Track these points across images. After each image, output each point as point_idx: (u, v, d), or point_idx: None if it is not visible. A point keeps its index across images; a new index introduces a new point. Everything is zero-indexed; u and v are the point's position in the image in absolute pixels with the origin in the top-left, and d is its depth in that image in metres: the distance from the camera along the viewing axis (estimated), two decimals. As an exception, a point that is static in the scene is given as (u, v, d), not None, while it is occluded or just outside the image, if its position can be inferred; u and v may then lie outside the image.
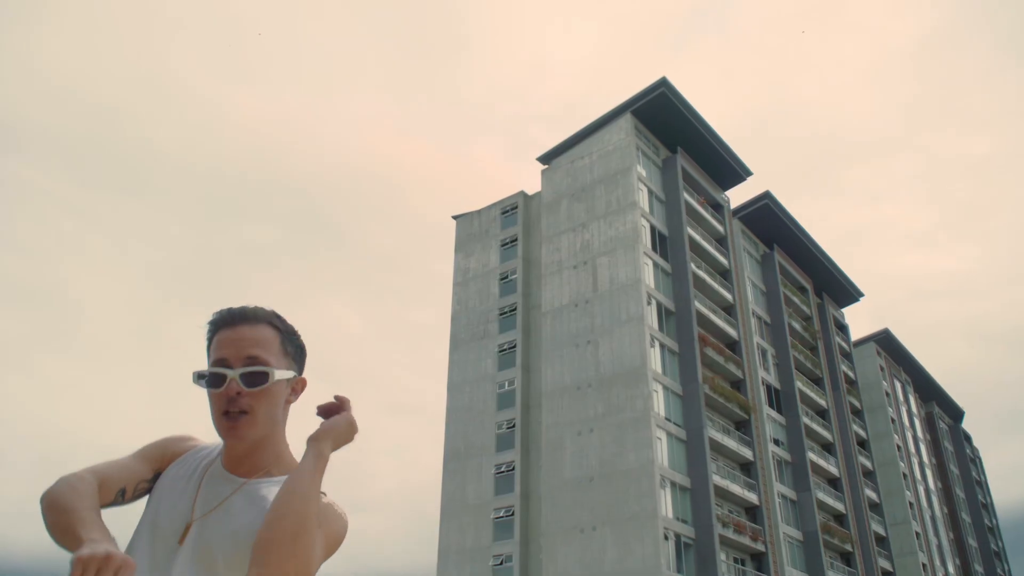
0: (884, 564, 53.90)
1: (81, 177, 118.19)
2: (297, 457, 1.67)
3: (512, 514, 40.84)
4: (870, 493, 56.44)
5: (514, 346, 45.29)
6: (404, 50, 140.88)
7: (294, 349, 1.74)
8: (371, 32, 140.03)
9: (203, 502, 1.64)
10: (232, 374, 1.61)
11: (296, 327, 1.79)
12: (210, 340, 1.68)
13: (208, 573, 1.55)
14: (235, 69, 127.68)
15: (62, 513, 1.48)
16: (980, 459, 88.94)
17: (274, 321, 1.71)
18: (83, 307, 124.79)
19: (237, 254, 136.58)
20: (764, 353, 49.81)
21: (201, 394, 1.68)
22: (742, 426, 44.63)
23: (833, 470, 51.72)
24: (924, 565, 59.50)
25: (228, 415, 1.61)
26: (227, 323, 1.68)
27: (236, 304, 1.74)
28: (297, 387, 1.75)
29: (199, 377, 1.62)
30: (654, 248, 44.23)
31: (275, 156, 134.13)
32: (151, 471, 1.70)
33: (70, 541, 1.44)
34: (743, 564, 39.97)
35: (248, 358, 1.63)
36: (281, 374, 1.66)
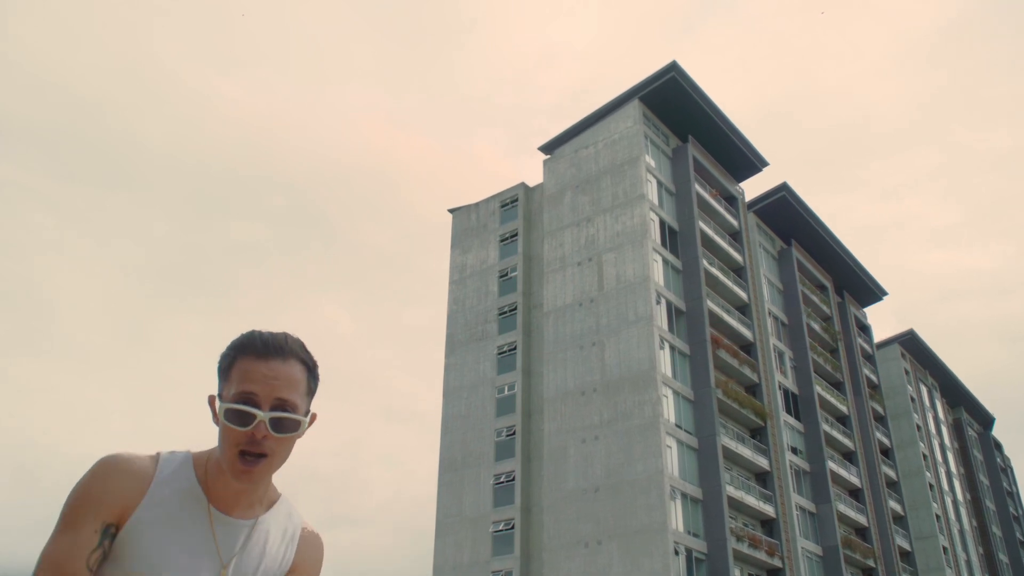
0: (909, 581, 53.72)
1: (59, 171, 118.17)
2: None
3: (512, 527, 40.70)
4: (894, 505, 56.27)
5: (514, 348, 45.13)
6: (399, 38, 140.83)
7: (315, 385, 1.74)
8: (364, 19, 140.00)
9: (225, 547, 1.67)
10: (262, 416, 1.61)
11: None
12: (230, 364, 1.67)
13: None
14: (222, 59, 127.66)
15: None
16: (1011, 468, 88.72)
17: (303, 356, 1.71)
18: (60, 307, 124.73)
19: (224, 251, 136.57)
20: (781, 355, 49.63)
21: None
22: (757, 433, 44.46)
23: (855, 480, 51.54)
24: (952, 582, 59.30)
25: (245, 456, 1.62)
26: (258, 353, 1.66)
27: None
28: (309, 423, 1.75)
29: (228, 413, 1.61)
30: (663, 243, 44.05)
31: (264, 150, 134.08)
32: (96, 532, 1.60)
33: None
34: (759, 581, 39.81)
35: (278, 400, 1.63)
36: (306, 420, 1.69)
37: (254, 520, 1.72)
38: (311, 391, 1.73)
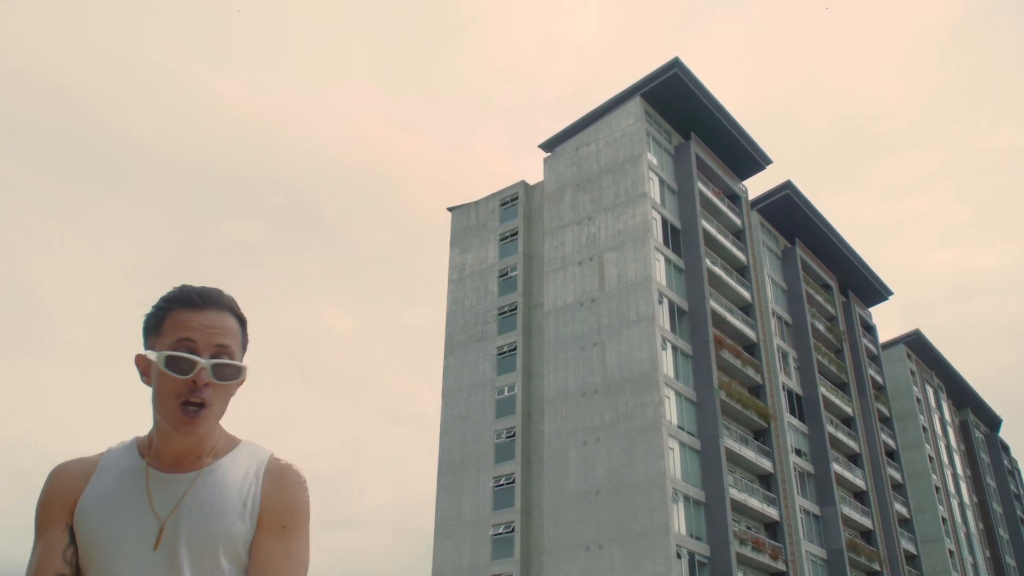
0: (915, 584, 53.62)
1: (56, 170, 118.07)
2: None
3: (512, 530, 40.63)
4: (900, 508, 56.16)
5: (514, 348, 45.06)
6: (399, 37, 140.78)
7: (246, 341, 1.76)
8: (364, 18, 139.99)
9: (161, 503, 1.65)
10: (204, 363, 1.61)
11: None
12: (162, 318, 1.68)
13: (200, 570, 1.62)
14: (220, 58, 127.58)
15: None
16: (1019, 471, 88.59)
17: (236, 310, 1.74)
18: (57, 308, 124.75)
19: (223, 251, 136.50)
20: (785, 356, 49.53)
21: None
22: (761, 435, 44.35)
23: (859, 483, 51.44)
24: (958, 585, 59.19)
25: (186, 406, 1.61)
26: (193, 304, 1.67)
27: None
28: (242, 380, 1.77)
29: (168, 361, 1.60)
30: (666, 243, 43.96)
31: (263, 149, 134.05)
32: (65, 530, 1.68)
33: None
34: (762, 584, 39.73)
35: (218, 347, 1.64)
36: (246, 368, 1.71)
37: (197, 471, 1.69)
38: (244, 346, 1.74)
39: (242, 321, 1.74)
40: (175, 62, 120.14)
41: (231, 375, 1.65)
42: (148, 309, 1.73)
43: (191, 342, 1.63)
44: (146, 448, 1.72)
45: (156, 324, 1.68)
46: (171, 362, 1.60)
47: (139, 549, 1.62)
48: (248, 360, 1.78)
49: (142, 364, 1.68)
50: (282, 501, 1.71)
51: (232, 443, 1.77)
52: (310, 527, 1.76)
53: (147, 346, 1.69)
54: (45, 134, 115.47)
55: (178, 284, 1.73)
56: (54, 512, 1.68)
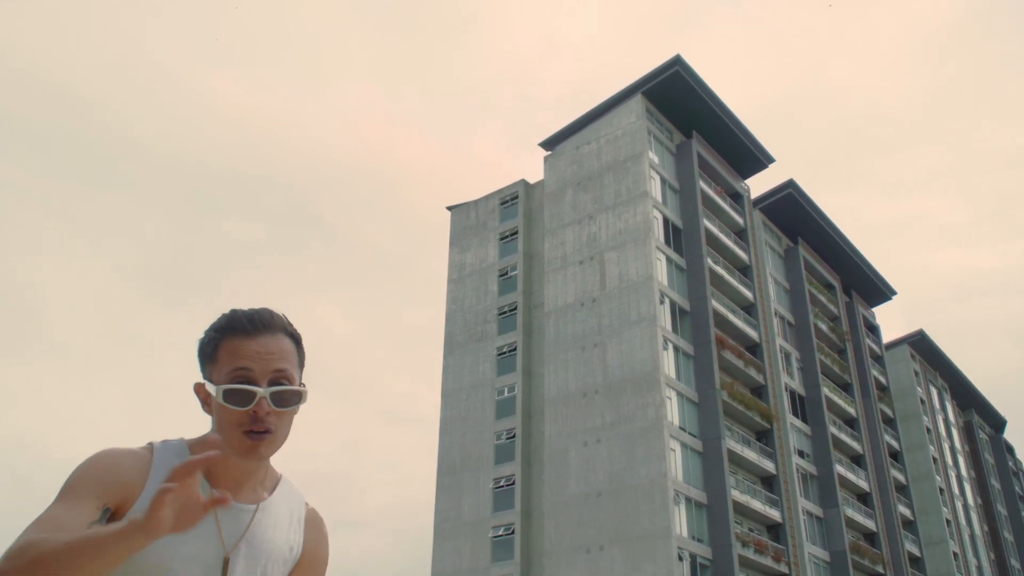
0: (919, 587, 53.46)
1: (53, 169, 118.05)
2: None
3: (512, 532, 40.52)
4: (903, 509, 56.04)
5: (514, 349, 44.94)
6: (398, 35, 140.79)
7: (303, 358, 1.74)
8: (363, 18, 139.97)
9: (229, 534, 1.63)
10: (263, 393, 1.60)
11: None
12: (216, 347, 1.65)
13: None
14: (220, 57, 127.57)
15: (61, 549, 1.31)
16: (1023, 472, 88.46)
17: (290, 329, 1.71)
18: (53, 309, 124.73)
19: (222, 252, 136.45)
20: (787, 356, 49.41)
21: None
22: (763, 436, 44.24)
23: (863, 484, 51.32)
24: (962, 588, 59.03)
25: (251, 434, 1.60)
26: (245, 331, 1.64)
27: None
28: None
29: (226, 394, 1.59)
30: (667, 242, 43.85)
31: (262, 149, 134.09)
32: (97, 509, 1.55)
33: (100, 547, 1.30)
34: (764, 587, 39.60)
35: (276, 372, 1.62)
36: (306, 391, 1.69)
37: (257, 504, 1.69)
38: (301, 364, 1.71)
39: (296, 339, 1.71)
40: (175, 62, 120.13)
41: (292, 400, 1.63)
42: (200, 335, 1.70)
43: (248, 371, 1.60)
44: None
45: (211, 354, 1.65)
46: (229, 395, 1.58)
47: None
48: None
49: (202, 393, 1.67)
50: (320, 553, 1.79)
51: (273, 476, 1.77)
52: None
53: (205, 375, 1.67)
54: (45, 134, 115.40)
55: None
56: (100, 488, 1.55)
